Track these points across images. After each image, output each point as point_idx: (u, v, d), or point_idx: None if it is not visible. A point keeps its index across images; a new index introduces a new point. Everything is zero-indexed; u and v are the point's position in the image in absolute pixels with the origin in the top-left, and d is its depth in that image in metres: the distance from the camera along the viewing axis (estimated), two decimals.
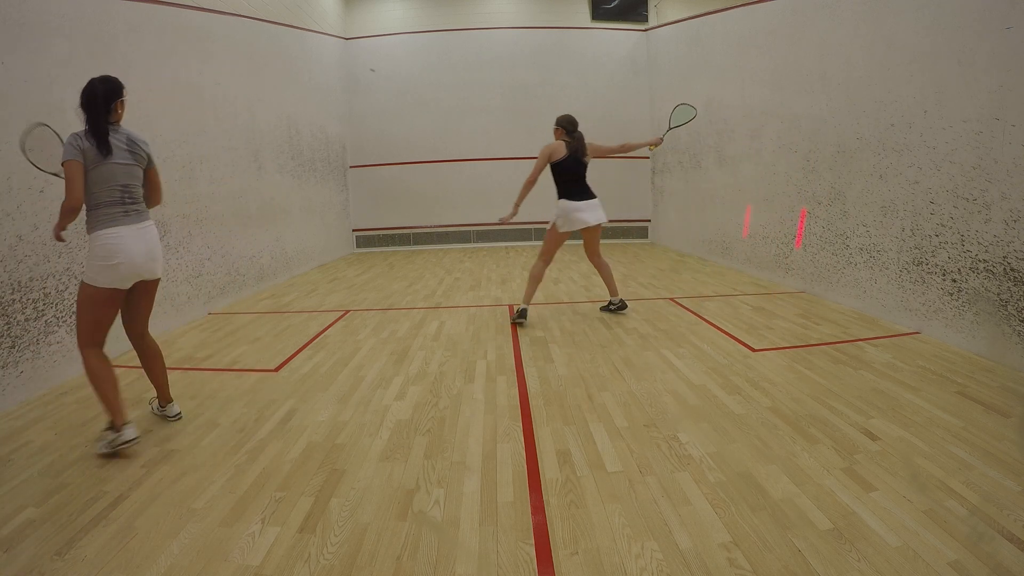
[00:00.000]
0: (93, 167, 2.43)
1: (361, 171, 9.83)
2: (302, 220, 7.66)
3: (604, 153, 4.47)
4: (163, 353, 2.80)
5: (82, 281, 2.42)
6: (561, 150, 4.25)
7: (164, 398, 2.79)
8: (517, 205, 4.31)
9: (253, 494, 2.06)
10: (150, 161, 2.65)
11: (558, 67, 9.69)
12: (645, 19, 9.82)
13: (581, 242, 4.52)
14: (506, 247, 9.61)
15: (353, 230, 9.90)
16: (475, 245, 9.89)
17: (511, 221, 4.40)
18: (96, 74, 3.91)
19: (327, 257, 8.66)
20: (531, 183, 4.25)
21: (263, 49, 6.60)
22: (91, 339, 2.45)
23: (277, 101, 6.95)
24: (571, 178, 4.29)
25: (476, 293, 5.75)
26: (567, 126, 4.30)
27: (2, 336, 2.98)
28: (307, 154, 7.92)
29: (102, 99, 2.50)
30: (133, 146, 2.58)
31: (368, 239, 9.96)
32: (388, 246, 9.97)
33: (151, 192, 2.66)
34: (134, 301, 2.62)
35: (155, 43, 4.51)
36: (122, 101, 2.58)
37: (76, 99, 3.70)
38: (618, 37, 9.76)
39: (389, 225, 9.94)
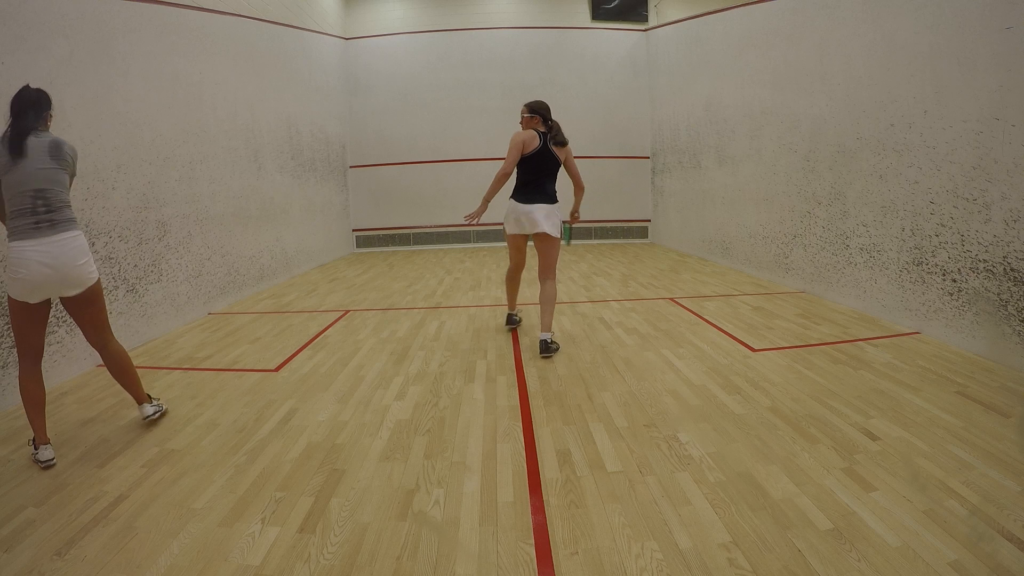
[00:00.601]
0: (4, 173, 2.24)
1: (361, 171, 9.83)
2: (302, 220, 7.66)
3: (570, 170, 3.85)
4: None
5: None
6: (534, 140, 3.64)
7: (140, 399, 2.70)
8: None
9: (253, 494, 2.06)
10: (73, 166, 2.46)
11: (558, 67, 9.69)
12: (645, 19, 9.82)
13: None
14: (506, 247, 9.61)
15: (353, 230, 9.90)
16: (475, 245, 9.89)
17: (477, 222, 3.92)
18: (93, 74, 3.93)
19: (327, 257, 8.66)
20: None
21: (263, 49, 6.60)
22: (21, 350, 2.34)
23: (277, 101, 6.95)
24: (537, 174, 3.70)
25: (476, 293, 5.75)
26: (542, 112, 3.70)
27: (2, 336, 2.97)
28: (307, 154, 7.92)
29: (34, 104, 2.33)
30: (57, 149, 2.35)
31: (368, 239, 9.96)
32: (388, 246, 9.97)
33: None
34: (72, 314, 2.48)
35: (155, 43, 4.51)
36: (51, 115, 2.43)
37: (76, 99, 3.72)
38: (618, 37, 9.76)
39: (389, 225, 9.94)
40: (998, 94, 3.21)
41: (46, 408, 2.39)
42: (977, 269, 3.40)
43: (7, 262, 2.31)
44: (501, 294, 5.64)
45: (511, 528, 1.82)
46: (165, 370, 3.50)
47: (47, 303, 2.41)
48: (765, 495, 1.96)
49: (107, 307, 3.82)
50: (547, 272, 3.84)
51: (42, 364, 2.43)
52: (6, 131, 2.30)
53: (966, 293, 3.49)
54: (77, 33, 3.66)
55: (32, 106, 2.34)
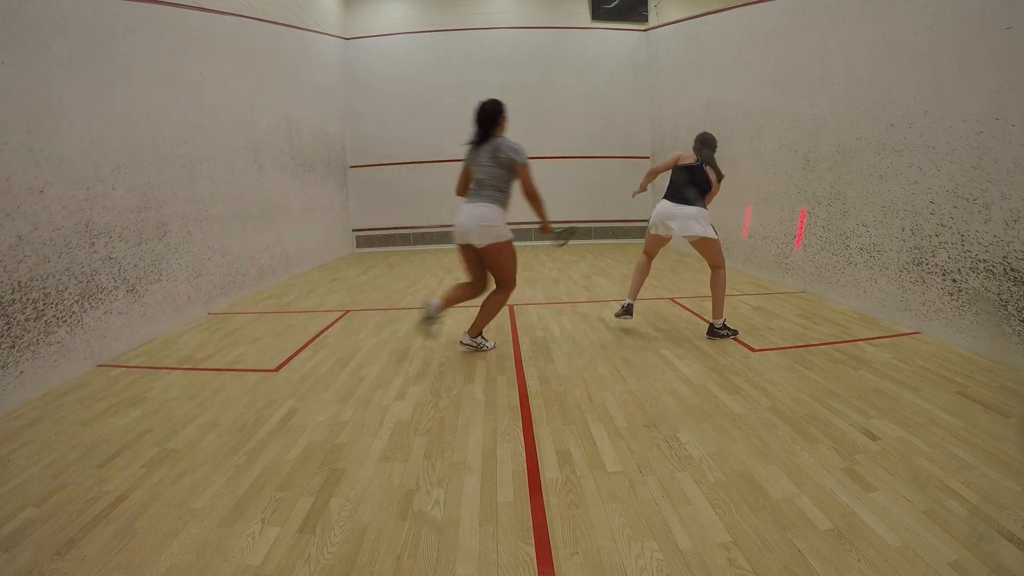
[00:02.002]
0: (471, 164, 3.45)
1: (361, 171, 9.82)
2: (302, 220, 7.66)
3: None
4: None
5: None
6: (689, 158, 3.86)
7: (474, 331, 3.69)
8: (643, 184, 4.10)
9: (253, 494, 2.06)
10: (512, 163, 3.35)
11: (558, 67, 9.69)
12: (645, 19, 9.82)
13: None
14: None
15: (353, 230, 9.90)
16: None
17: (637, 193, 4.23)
18: (93, 74, 3.94)
19: (327, 257, 8.66)
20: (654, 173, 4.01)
21: (263, 49, 6.60)
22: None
23: (277, 101, 6.95)
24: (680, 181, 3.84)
25: None
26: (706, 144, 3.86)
27: (2, 336, 2.98)
28: (307, 154, 7.92)
29: (489, 116, 3.38)
30: (494, 151, 3.35)
31: (368, 239, 9.96)
32: (388, 246, 9.97)
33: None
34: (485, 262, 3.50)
35: (155, 43, 4.51)
36: (504, 120, 3.44)
37: (76, 99, 3.73)
38: (618, 37, 9.76)
39: (389, 225, 9.94)
40: (998, 94, 3.21)
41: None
42: (977, 269, 3.40)
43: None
44: None
45: (511, 528, 1.82)
46: (165, 370, 3.50)
47: (472, 247, 3.46)
48: (765, 495, 1.96)
49: (108, 307, 3.82)
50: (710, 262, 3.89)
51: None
52: (476, 133, 3.41)
53: (966, 293, 3.49)
54: (77, 33, 3.66)
55: (488, 118, 3.38)
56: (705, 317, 4.42)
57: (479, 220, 3.35)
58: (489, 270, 3.55)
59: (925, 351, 3.46)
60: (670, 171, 3.97)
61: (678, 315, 4.53)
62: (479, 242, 3.39)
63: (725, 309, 3.95)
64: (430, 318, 3.45)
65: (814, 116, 5.07)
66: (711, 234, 3.77)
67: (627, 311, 4.00)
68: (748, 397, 2.83)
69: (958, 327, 3.54)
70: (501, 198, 3.42)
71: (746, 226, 6.43)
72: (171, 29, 4.75)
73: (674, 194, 3.83)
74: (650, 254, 4.10)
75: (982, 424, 2.43)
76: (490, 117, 3.39)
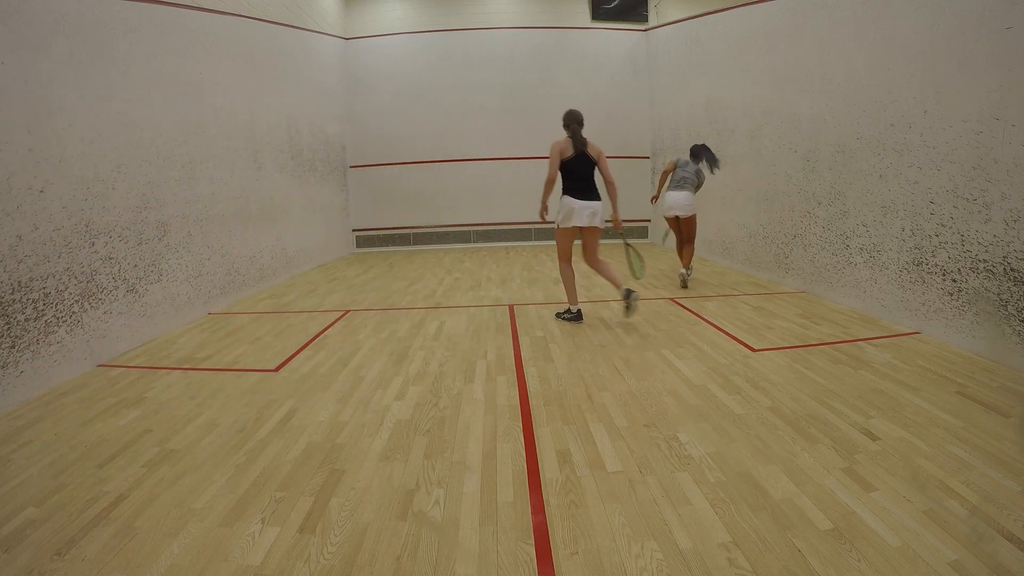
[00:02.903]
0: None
1: (361, 171, 9.82)
2: (302, 220, 7.66)
3: (604, 170, 4.28)
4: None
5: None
6: (569, 147, 4.16)
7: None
8: (543, 203, 4.33)
9: (253, 494, 2.06)
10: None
11: (558, 67, 9.69)
12: (645, 19, 9.82)
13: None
14: (506, 247, 9.61)
15: (353, 230, 9.90)
16: (475, 245, 9.89)
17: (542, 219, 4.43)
18: (93, 74, 3.95)
19: (327, 257, 8.66)
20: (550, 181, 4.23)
21: (263, 49, 6.60)
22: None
23: (277, 101, 6.95)
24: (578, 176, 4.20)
25: (476, 293, 5.75)
26: (569, 121, 4.23)
27: (2, 336, 2.98)
28: (307, 154, 7.92)
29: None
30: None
31: (368, 239, 9.96)
32: (388, 246, 9.96)
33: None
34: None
35: (155, 43, 4.51)
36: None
37: (76, 99, 3.73)
38: (618, 37, 9.75)
39: (389, 225, 9.94)
40: (998, 94, 3.21)
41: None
42: (977, 269, 3.40)
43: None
44: (501, 294, 5.64)
45: (511, 528, 1.82)
46: (165, 370, 3.50)
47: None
48: (765, 495, 1.96)
49: (108, 307, 3.83)
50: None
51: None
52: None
53: (966, 293, 3.49)
54: (77, 33, 3.66)
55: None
56: (705, 317, 4.42)
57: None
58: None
59: (925, 351, 3.46)
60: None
61: (678, 315, 4.53)
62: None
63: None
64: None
65: (814, 116, 5.07)
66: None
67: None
68: (748, 397, 2.83)
69: (958, 327, 3.54)
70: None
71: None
72: (171, 29, 4.75)
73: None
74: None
75: (982, 424, 2.43)
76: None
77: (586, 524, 1.83)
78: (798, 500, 1.92)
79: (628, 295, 4.10)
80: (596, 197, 4.19)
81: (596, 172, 4.23)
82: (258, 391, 3.12)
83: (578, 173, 4.17)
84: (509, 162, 9.61)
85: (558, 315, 4.54)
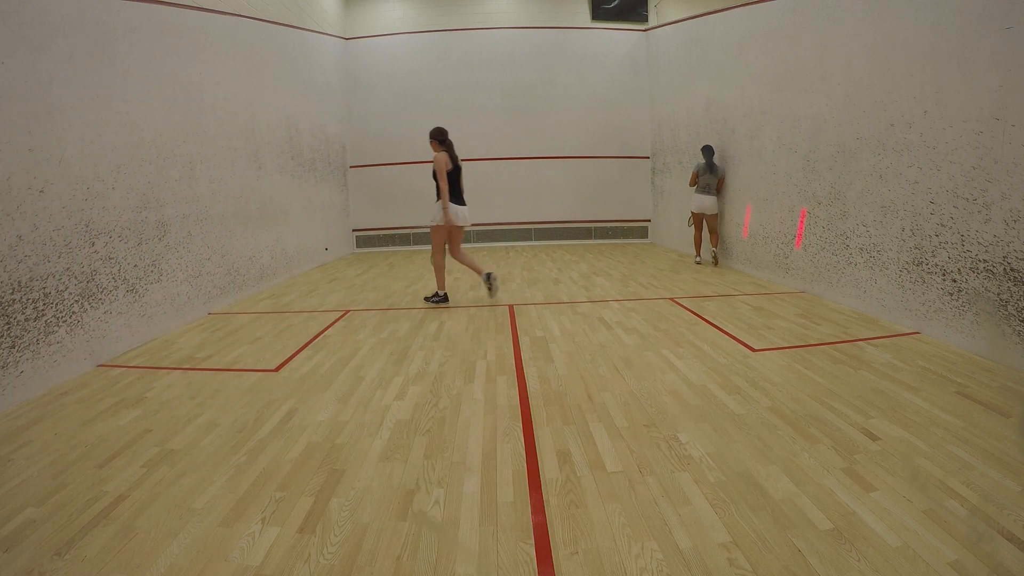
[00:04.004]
0: (701, 175, 6.72)
1: (361, 171, 9.82)
2: (302, 220, 7.66)
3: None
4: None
5: None
6: (449, 161, 4.89)
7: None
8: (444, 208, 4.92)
9: (253, 494, 2.06)
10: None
11: (558, 67, 9.69)
12: (645, 19, 9.82)
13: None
14: (506, 247, 9.61)
15: (353, 230, 9.90)
16: (475, 245, 9.88)
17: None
18: (93, 74, 3.96)
19: (327, 257, 8.66)
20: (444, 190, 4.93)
21: (263, 49, 6.60)
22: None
23: (277, 101, 6.95)
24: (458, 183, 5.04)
25: (476, 293, 5.74)
26: (439, 136, 4.98)
27: (2, 336, 2.98)
28: (307, 154, 7.92)
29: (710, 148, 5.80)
30: (713, 166, 6.03)
31: (368, 239, 9.96)
32: (388, 246, 9.96)
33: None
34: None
35: (155, 43, 4.51)
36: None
37: (76, 99, 3.73)
38: (618, 37, 9.75)
39: (389, 225, 9.93)
40: (998, 94, 3.21)
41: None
42: (977, 269, 3.40)
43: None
44: (501, 294, 5.64)
45: (511, 528, 1.82)
46: (165, 370, 3.50)
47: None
48: (765, 495, 1.96)
49: (108, 307, 3.83)
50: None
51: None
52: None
53: (966, 293, 3.49)
54: (77, 33, 3.66)
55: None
56: (705, 317, 4.42)
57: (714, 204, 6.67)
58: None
59: (925, 351, 3.46)
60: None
61: (678, 315, 4.53)
62: (712, 209, 6.70)
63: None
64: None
65: (814, 116, 5.07)
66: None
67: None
68: (748, 397, 2.83)
69: (958, 327, 3.54)
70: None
71: (746, 225, 6.44)
72: (171, 29, 4.75)
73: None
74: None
75: (982, 424, 2.43)
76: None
77: (586, 524, 1.83)
78: (798, 500, 1.92)
79: (488, 278, 5.15)
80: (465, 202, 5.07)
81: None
82: (258, 391, 3.12)
83: (459, 183, 5.01)
84: (509, 162, 9.61)
85: (427, 299, 5.26)
